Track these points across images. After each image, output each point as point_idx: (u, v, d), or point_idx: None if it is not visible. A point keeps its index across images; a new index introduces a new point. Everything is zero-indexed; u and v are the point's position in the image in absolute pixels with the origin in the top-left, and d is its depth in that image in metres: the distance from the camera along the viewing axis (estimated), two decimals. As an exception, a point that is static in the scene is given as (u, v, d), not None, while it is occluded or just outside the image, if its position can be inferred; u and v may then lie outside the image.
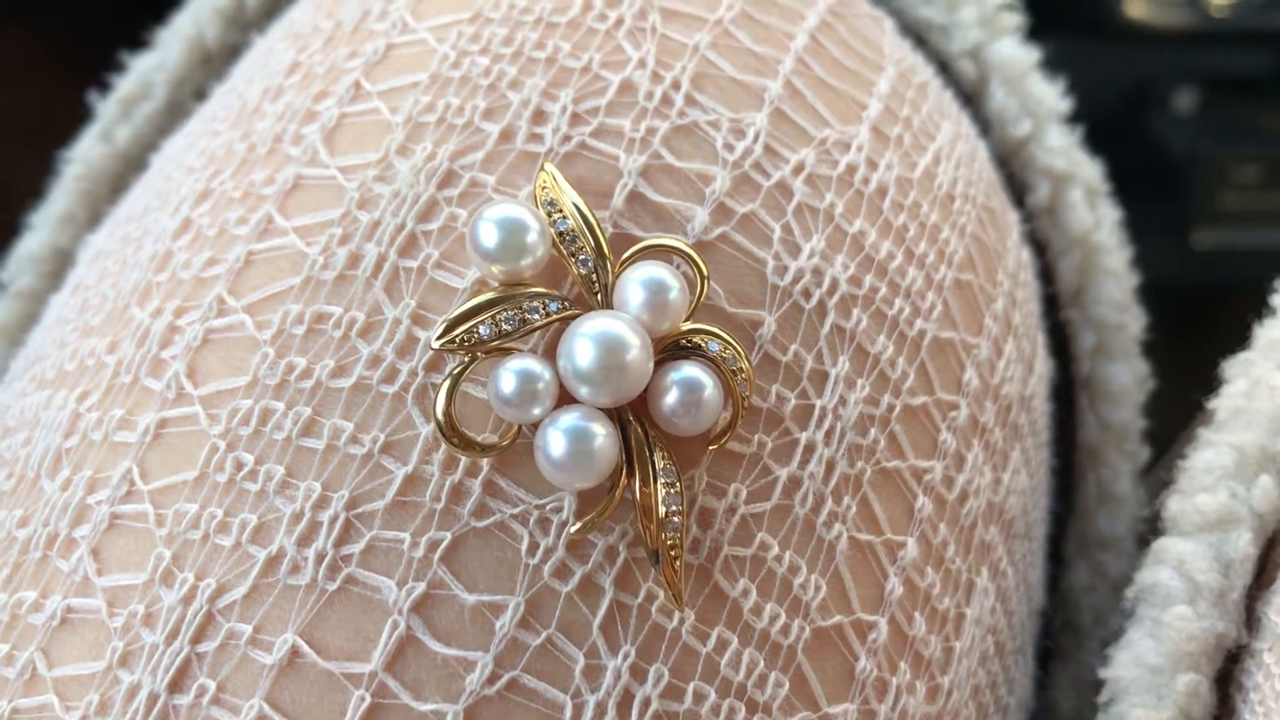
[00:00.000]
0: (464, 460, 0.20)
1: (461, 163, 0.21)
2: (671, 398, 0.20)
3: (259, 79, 0.25)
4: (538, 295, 0.20)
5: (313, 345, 0.21)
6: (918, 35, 0.29)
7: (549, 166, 0.20)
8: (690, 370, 0.20)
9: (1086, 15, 0.59)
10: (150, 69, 0.30)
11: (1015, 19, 0.29)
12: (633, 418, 0.20)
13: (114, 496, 0.21)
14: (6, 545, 0.21)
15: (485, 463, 0.20)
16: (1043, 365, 0.27)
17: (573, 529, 0.19)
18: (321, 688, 0.19)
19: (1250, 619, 0.23)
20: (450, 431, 0.19)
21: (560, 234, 0.20)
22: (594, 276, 0.20)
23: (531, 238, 0.20)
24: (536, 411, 0.19)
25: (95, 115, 0.30)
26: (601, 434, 0.19)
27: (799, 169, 0.22)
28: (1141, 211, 0.32)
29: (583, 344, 0.19)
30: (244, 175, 0.23)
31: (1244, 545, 0.23)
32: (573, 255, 0.20)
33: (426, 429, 0.20)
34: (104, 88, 0.31)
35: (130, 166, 0.30)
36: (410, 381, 0.20)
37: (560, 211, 0.20)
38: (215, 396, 0.21)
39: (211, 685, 0.19)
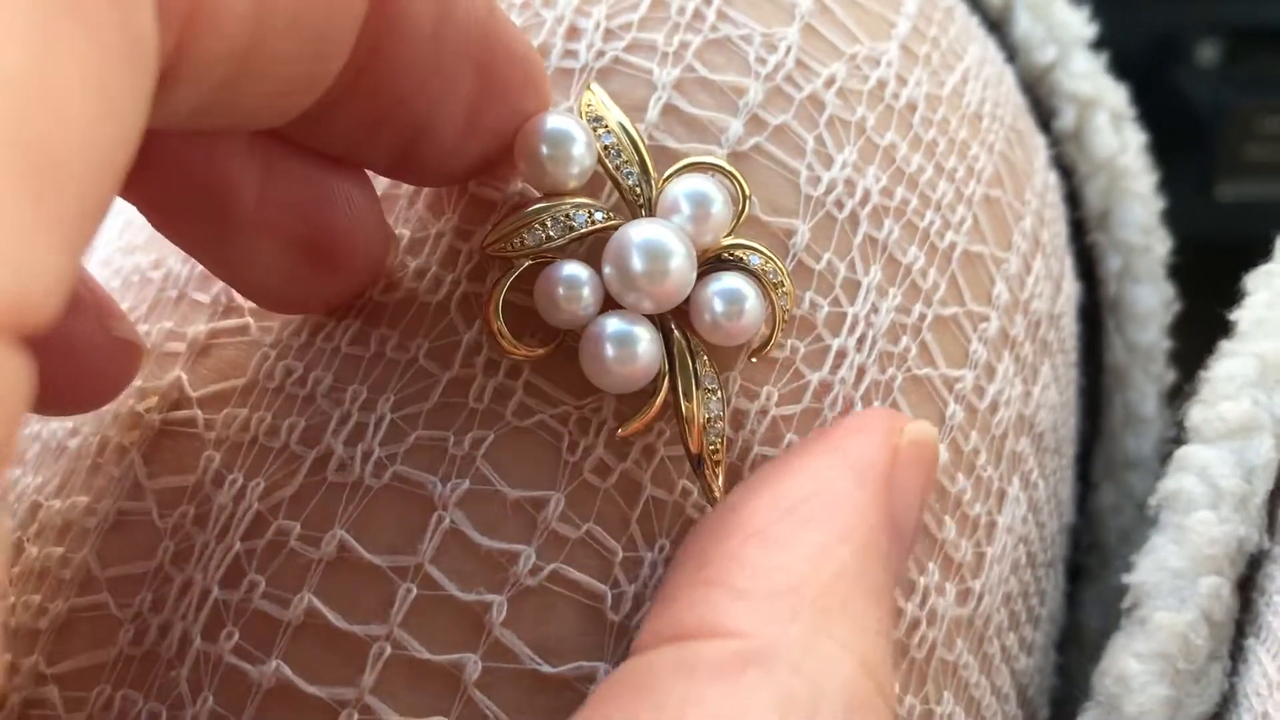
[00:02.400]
0: (505, 364, 0.20)
1: None
2: (714, 307, 0.20)
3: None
4: (583, 204, 0.20)
5: None
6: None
7: (594, 86, 0.21)
8: (732, 281, 0.20)
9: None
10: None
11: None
12: (675, 326, 0.20)
13: (164, 404, 0.21)
14: (57, 454, 0.22)
15: (526, 366, 0.20)
16: (1070, 286, 0.27)
17: (620, 430, 0.20)
18: (369, 580, 0.19)
19: (1272, 524, 0.24)
20: (502, 336, 0.20)
21: (605, 148, 0.20)
22: (639, 189, 0.20)
23: (579, 149, 0.20)
24: (582, 316, 0.20)
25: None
26: (645, 338, 0.20)
27: (830, 82, 0.23)
28: (1165, 164, 0.32)
29: (629, 250, 0.20)
30: None
31: (1266, 451, 0.23)
32: (618, 169, 0.20)
33: (469, 334, 0.20)
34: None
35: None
36: (453, 291, 0.21)
37: (605, 127, 0.21)
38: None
39: (261, 580, 0.20)
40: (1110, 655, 0.23)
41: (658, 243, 0.20)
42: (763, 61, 0.22)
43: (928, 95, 0.24)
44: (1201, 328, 0.29)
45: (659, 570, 0.20)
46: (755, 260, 0.20)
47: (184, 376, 0.21)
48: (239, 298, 0.22)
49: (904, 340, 0.22)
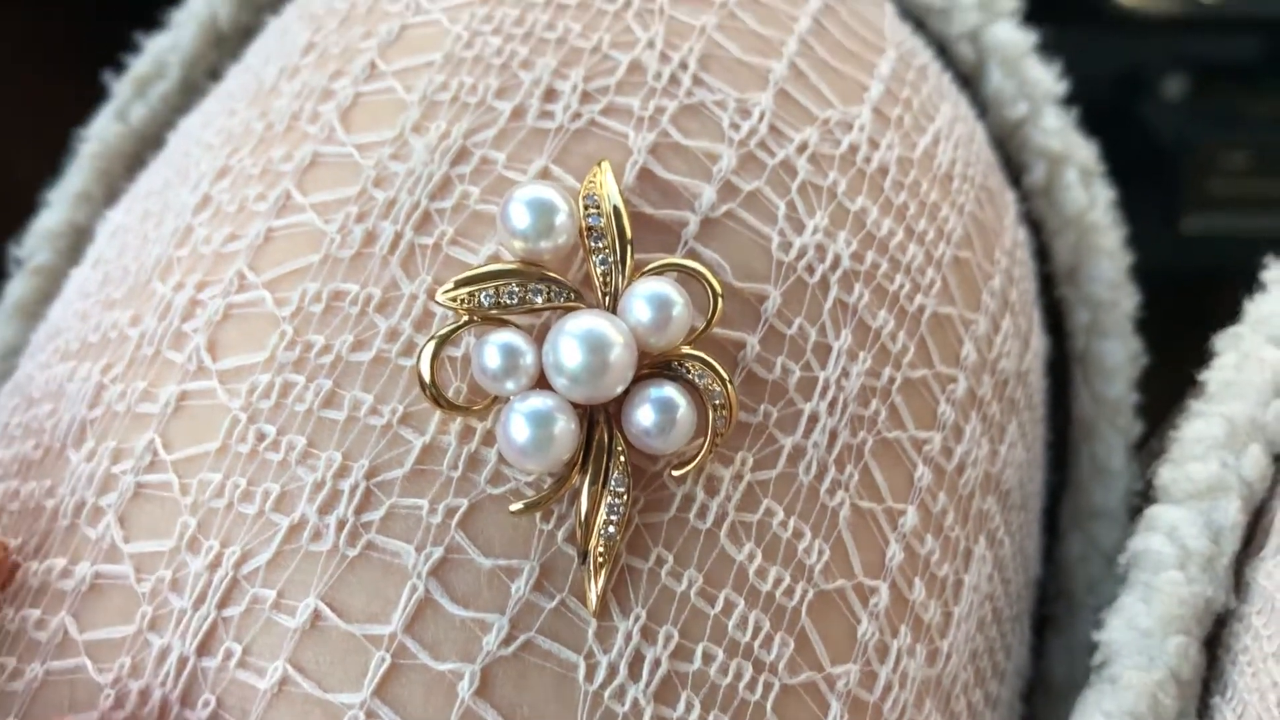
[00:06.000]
0: (480, 430, 0.20)
1: (474, 140, 0.22)
2: (646, 415, 0.20)
3: (275, 59, 0.25)
4: (548, 279, 0.20)
5: (331, 321, 0.21)
6: (917, 19, 0.29)
7: (604, 165, 0.21)
8: (669, 391, 0.20)
9: (1078, 1, 0.59)
10: (164, 49, 0.31)
11: (1013, 2, 0.30)
12: (603, 420, 0.20)
13: (138, 466, 0.21)
14: (34, 514, 0.22)
15: None
16: (1038, 341, 0.28)
17: (513, 508, 0.20)
18: (343, 649, 0.19)
19: (1239, 584, 0.24)
20: (430, 386, 0.20)
21: (589, 229, 0.21)
22: (608, 279, 0.21)
23: (560, 219, 0.20)
24: (510, 386, 0.20)
25: (109, 95, 0.31)
26: (562, 421, 0.20)
27: (803, 148, 0.23)
28: (1131, 197, 0.33)
29: (567, 339, 0.20)
30: (262, 152, 0.23)
31: (1234, 513, 0.24)
32: (594, 252, 0.21)
33: None
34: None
35: (145, 145, 0.30)
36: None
37: (597, 209, 0.21)
38: (235, 371, 0.21)
39: (238, 648, 0.20)
40: (1080, 712, 0.24)
41: (599, 335, 0.20)
42: (736, 127, 0.23)
43: (899, 158, 0.24)
44: (1168, 355, 0.29)
45: (635, 639, 0.20)
46: (701, 378, 0.20)
47: (157, 439, 0.21)
48: (209, 359, 0.22)
49: (874, 403, 0.22)
